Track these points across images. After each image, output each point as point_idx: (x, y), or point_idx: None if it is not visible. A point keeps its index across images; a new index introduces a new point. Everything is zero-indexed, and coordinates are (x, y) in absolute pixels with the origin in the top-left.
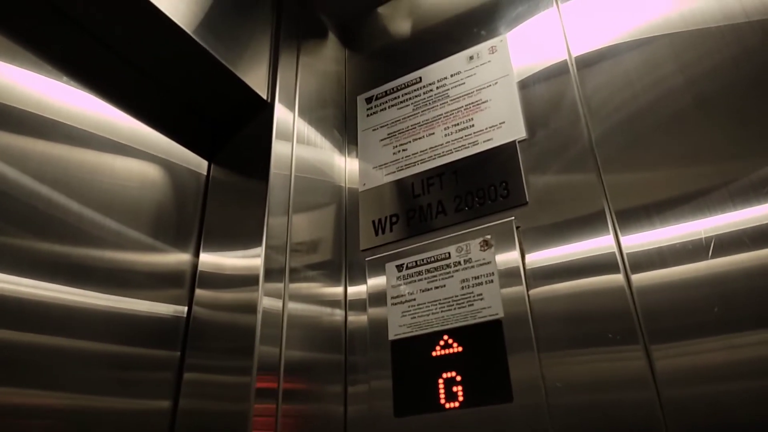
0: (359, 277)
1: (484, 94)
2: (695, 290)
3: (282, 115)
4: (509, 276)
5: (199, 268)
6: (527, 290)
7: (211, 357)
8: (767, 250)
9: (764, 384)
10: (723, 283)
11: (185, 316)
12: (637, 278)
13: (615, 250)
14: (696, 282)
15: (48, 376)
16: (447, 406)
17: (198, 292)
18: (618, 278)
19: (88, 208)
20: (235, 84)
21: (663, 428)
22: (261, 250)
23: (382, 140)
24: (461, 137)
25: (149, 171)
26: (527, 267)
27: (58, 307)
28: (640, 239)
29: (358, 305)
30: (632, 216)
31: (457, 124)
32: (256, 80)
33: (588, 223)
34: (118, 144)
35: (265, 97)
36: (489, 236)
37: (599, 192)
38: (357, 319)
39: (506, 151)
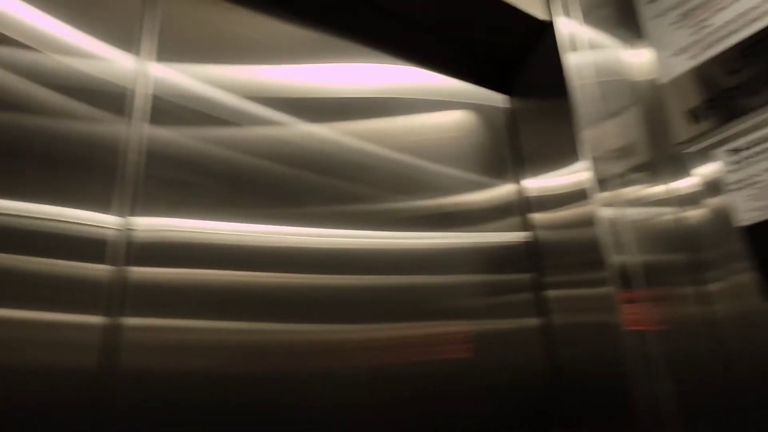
0: (682, 172)
1: None
2: None
3: (564, 27)
4: None
5: (527, 193)
6: None
7: (565, 273)
8: None
9: None
10: None
11: (527, 240)
12: None
13: None
14: None
15: (434, 307)
16: None
17: (532, 216)
18: None
19: (431, 162)
20: (512, 13)
21: None
22: (583, 164)
23: (673, 24)
24: None
25: (464, 119)
26: None
27: (429, 251)
28: None
29: (692, 200)
30: None
31: None
32: (531, 4)
33: None
34: (436, 102)
35: (543, 17)
36: None
37: None
38: (693, 214)
39: None
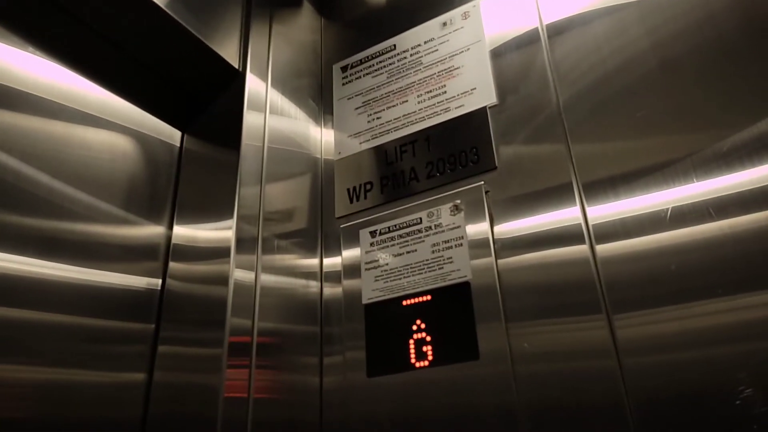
0: (334, 247)
1: (456, 60)
2: (656, 260)
3: (254, 84)
4: (478, 242)
5: (173, 240)
6: (495, 257)
7: (185, 329)
8: (727, 221)
9: (717, 352)
10: (682, 254)
11: (159, 289)
12: (601, 249)
13: (581, 221)
14: (657, 252)
15: (21, 349)
16: (417, 365)
17: (171, 264)
18: (583, 249)
19: (59, 181)
20: (206, 54)
21: (624, 396)
22: (232, 222)
23: (357, 108)
24: (434, 104)
25: (121, 143)
26: (496, 236)
27: (29, 280)
28: (605, 210)
29: (334, 276)
30: (598, 187)
31: (430, 91)
32: (228, 50)
33: (555, 193)
34: (89, 116)
35: (236, 66)
36: (459, 201)
37: (567, 162)
38: (332, 290)
39: (477, 117)
